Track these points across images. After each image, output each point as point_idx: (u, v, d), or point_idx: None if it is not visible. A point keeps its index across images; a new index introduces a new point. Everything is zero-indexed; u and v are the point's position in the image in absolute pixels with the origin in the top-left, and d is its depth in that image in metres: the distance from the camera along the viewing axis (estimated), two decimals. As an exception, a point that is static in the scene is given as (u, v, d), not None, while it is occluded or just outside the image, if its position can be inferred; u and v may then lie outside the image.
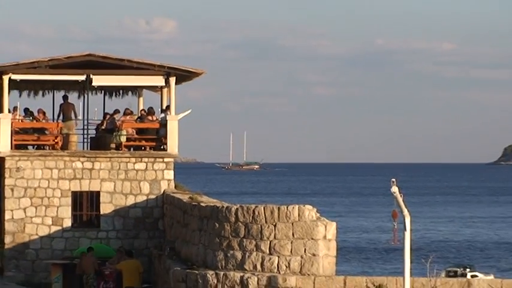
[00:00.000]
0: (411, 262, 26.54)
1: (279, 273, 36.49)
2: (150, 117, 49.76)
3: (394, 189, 27.16)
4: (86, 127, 51.75)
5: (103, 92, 52.38)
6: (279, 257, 37.15)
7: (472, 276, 41.57)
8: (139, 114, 50.62)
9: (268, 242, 37.28)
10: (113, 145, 48.85)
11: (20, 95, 51.03)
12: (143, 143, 49.46)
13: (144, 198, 47.45)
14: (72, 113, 51.30)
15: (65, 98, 51.44)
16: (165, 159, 48.27)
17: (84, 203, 47.84)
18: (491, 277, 41.75)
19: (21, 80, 49.17)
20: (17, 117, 48.91)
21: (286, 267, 36.83)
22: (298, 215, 37.45)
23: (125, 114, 50.70)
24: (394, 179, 27.52)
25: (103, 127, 50.89)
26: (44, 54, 50.51)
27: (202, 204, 41.96)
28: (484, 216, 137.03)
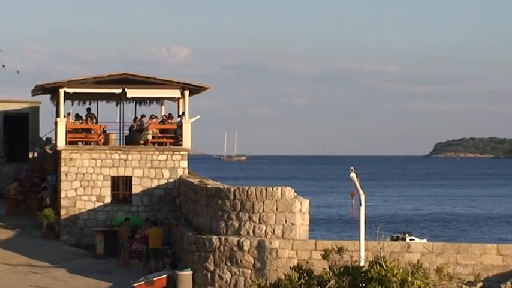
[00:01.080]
0: (365, 230, 28.00)
1: (266, 237, 37.83)
2: (169, 121, 50.52)
3: (352, 174, 28.73)
4: (121, 128, 52.96)
5: (134, 101, 52.93)
6: (266, 225, 38.48)
7: (410, 240, 42.38)
8: (162, 119, 51.31)
9: (258, 215, 38.61)
10: (141, 141, 49.55)
11: (72, 104, 51.58)
12: (164, 140, 50.03)
13: (165, 181, 48.29)
14: (94, 120, 52.73)
15: (88, 110, 52.54)
16: (181, 152, 49.07)
17: (120, 185, 48.52)
18: (425, 241, 41.99)
19: (73, 93, 50.08)
20: (70, 120, 49.82)
21: (272, 233, 38.14)
22: (281, 194, 38.71)
23: (150, 118, 51.21)
24: (352, 167, 29.06)
25: (134, 128, 51.58)
26: (90, 73, 51.62)
27: (208, 186, 43.07)
28: (422, 195, 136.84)
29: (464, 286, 11.96)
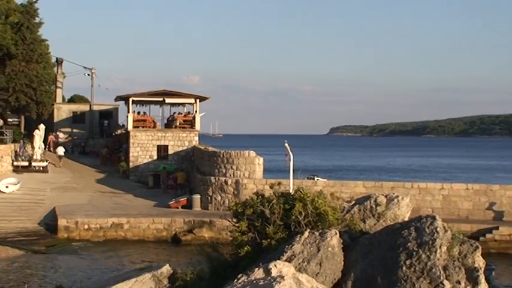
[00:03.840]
0: (293, 174, 28.04)
1: (240, 177, 37.89)
2: (188, 115, 50.46)
3: (286, 144, 28.85)
4: (162, 119, 52.75)
5: (169, 105, 52.07)
6: (240, 171, 38.52)
7: (316, 179, 41.66)
8: (184, 114, 51.20)
9: (236, 165, 38.64)
10: (173, 126, 49.30)
11: (137, 106, 51.29)
12: (185, 125, 49.19)
13: (185, 147, 47.68)
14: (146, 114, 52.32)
15: (139, 112, 51.39)
16: (194, 132, 48.52)
17: (162, 149, 47.57)
18: (325, 180, 40.41)
19: (136, 100, 50.03)
20: (135, 115, 49.82)
21: (243, 175, 38.20)
22: (248, 154, 38.82)
23: (178, 114, 51.24)
24: (286, 140, 29.21)
25: (169, 119, 51.60)
26: (145, 89, 51.25)
27: (209, 150, 43.11)
28: (324, 155, 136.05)
29: (345, 202, 12.26)
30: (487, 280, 10.23)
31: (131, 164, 47.97)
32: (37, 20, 55.09)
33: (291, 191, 13.79)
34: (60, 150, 51.31)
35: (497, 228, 32.80)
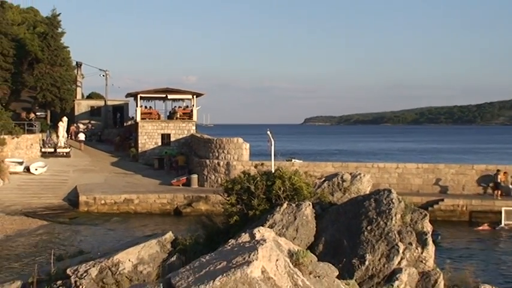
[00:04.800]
0: (274, 157, 27.79)
1: (230, 160, 37.94)
2: (187, 109, 50.07)
3: (268, 132, 28.73)
4: (165, 112, 52.44)
5: (171, 100, 51.81)
6: (230, 155, 38.51)
7: (294, 161, 41.30)
8: (183, 108, 50.84)
9: (226, 150, 38.61)
10: (175, 118, 48.78)
11: (144, 101, 50.97)
12: (185, 117, 48.76)
13: (185, 135, 47.28)
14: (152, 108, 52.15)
15: (146, 107, 50.96)
16: (192, 122, 48.11)
17: (165, 137, 47.21)
18: (301, 161, 39.99)
19: (143, 96, 49.61)
20: (142, 109, 49.52)
21: (232, 158, 38.15)
22: (236, 140, 38.84)
23: (179, 107, 50.93)
24: (268, 129, 29.10)
25: (171, 112, 51.26)
26: (150, 87, 51.02)
27: (205, 137, 42.70)
28: (300, 140, 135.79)
29: (316, 179, 12.23)
30: (434, 242, 10.28)
31: (140, 150, 47.60)
32: (60, 30, 55.76)
33: (272, 170, 13.76)
34: (81, 136, 52.63)
35: (442, 200, 33.04)
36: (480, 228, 30.24)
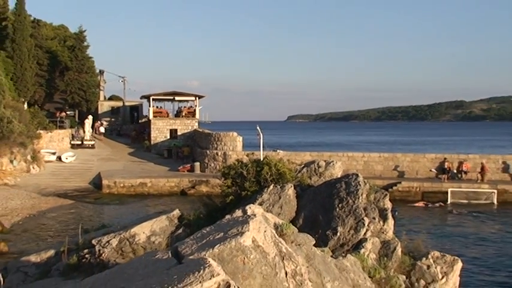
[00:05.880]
0: (263, 148, 27.99)
1: (226, 151, 37.85)
2: (191, 108, 49.69)
3: (258, 127, 28.68)
4: (173, 111, 52.15)
5: (178, 101, 51.32)
6: (226, 146, 38.46)
7: (278, 151, 41.05)
8: (188, 107, 50.52)
9: (223, 142, 38.51)
10: (181, 116, 48.58)
11: (155, 102, 50.64)
12: (189, 115, 48.45)
13: (189, 130, 46.92)
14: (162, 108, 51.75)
15: (157, 107, 50.34)
16: (195, 120, 47.79)
17: (173, 132, 47.01)
18: (281, 151, 37.48)
19: (155, 98, 49.30)
20: (154, 108, 49.21)
21: (229, 149, 38.03)
22: (232, 134, 38.71)
23: (184, 107, 50.88)
24: (258, 125, 28.99)
25: (178, 111, 50.98)
26: (160, 90, 50.84)
27: (206, 132, 42.37)
28: (283, 135, 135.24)
29: (297, 166, 12.21)
30: (393, 217, 10.29)
31: (152, 142, 47.28)
32: (85, 43, 55.99)
33: (261, 158, 13.76)
34: (102, 129, 53.54)
35: (400, 182, 33.15)
36: (416, 204, 30.21)
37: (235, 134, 39.00)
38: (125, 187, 33.81)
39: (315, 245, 7.24)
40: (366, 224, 9.53)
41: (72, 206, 28.79)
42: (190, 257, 4.77)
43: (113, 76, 66.71)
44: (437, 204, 30.46)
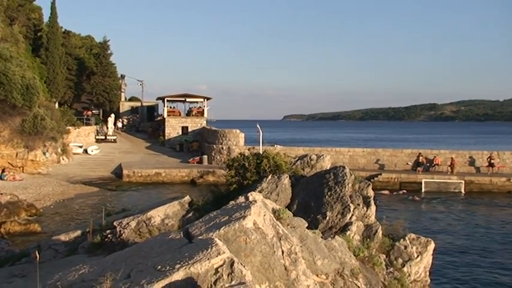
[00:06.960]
0: (262, 143, 27.30)
1: (230, 145, 37.82)
2: (200, 109, 49.29)
3: (258, 125, 28.41)
4: (185, 111, 51.84)
5: (189, 102, 50.74)
6: (231, 141, 38.34)
7: (276, 146, 40.83)
8: (197, 108, 50.20)
9: (228, 138, 38.39)
10: (192, 115, 48.20)
11: (169, 103, 50.35)
12: (198, 114, 48.10)
13: (198, 127, 46.65)
14: (175, 108, 51.37)
15: (170, 107, 49.61)
16: (203, 118, 47.49)
17: (184, 129, 46.68)
18: (281, 146, 38.15)
19: (169, 99, 49.08)
20: (168, 108, 48.92)
21: (232, 144, 37.89)
22: (235, 131, 38.56)
23: (194, 107, 50.52)
24: (258, 124, 28.73)
25: (189, 110, 50.51)
26: (173, 92, 50.58)
27: (213, 129, 42.09)
28: (280, 132, 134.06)
29: (292, 159, 12.10)
30: (375, 204, 10.20)
31: (166, 137, 46.98)
32: (109, 51, 55.70)
33: (260, 152, 13.70)
34: (120, 124, 53.22)
35: (380, 174, 33.02)
36: (383, 192, 29.67)
37: (238, 131, 38.86)
38: (142, 176, 33.64)
39: (307, 228, 7.20)
40: (352, 210, 9.45)
41: (97, 192, 28.75)
42: (200, 237, 4.76)
43: (133, 80, 66.42)
44: (400, 192, 30.41)
